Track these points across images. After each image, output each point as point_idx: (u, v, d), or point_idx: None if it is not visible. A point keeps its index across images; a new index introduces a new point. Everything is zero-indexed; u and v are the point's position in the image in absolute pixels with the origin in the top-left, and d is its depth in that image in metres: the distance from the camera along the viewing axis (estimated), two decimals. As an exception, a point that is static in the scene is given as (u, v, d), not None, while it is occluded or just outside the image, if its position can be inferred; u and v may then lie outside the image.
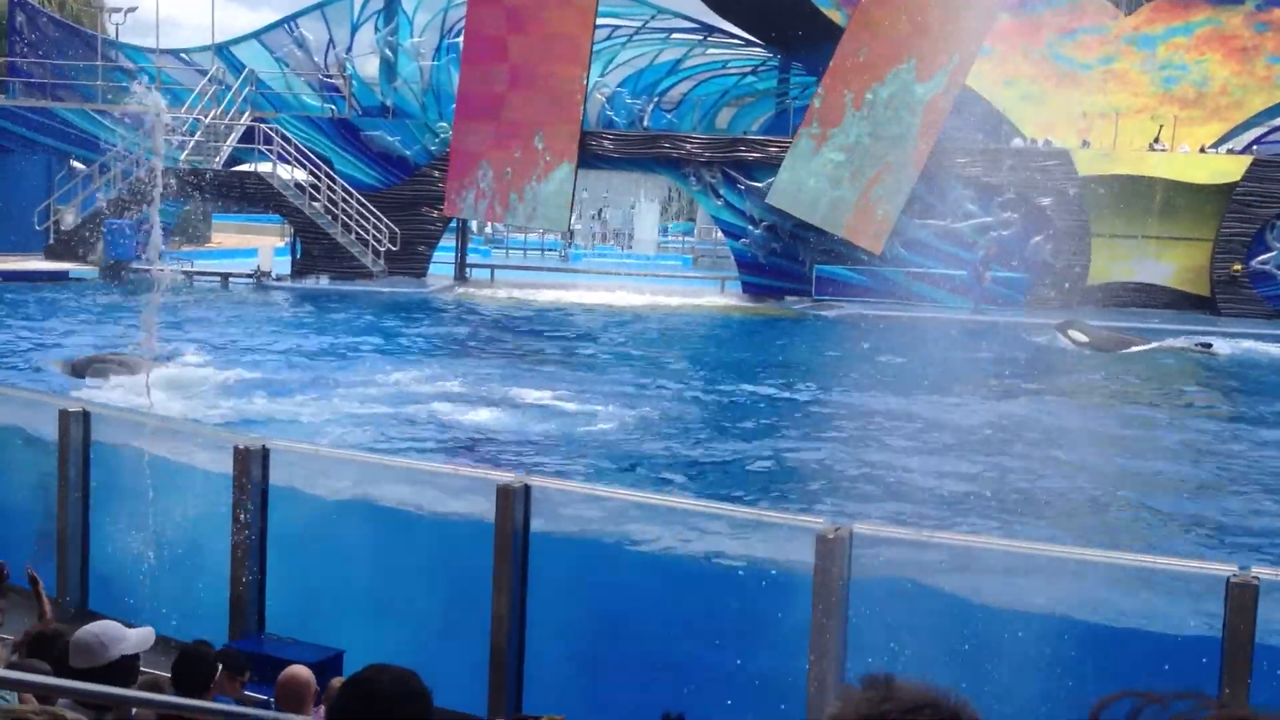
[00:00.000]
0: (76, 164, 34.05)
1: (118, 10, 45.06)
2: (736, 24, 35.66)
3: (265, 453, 8.16)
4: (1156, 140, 33.69)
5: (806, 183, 31.56)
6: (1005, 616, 6.54)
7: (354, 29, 35.10)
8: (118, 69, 35.87)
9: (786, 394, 18.19)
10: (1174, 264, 33.78)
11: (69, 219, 31.84)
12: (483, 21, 31.59)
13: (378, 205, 32.32)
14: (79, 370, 17.34)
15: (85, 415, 9.04)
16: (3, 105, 34.53)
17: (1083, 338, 26.24)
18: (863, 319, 29.20)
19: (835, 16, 32.51)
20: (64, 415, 8.98)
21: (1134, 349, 25.85)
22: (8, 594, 6.26)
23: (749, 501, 11.05)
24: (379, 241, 31.93)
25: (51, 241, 31.57)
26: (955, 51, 30.66)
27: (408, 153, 33.30)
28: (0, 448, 10.12)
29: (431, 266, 33.34)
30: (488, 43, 31.55)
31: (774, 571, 7.19)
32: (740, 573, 7.26)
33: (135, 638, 4.69)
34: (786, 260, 33.04)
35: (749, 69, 35.74)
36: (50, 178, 34.05)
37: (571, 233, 48.84)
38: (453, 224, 34.29)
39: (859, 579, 6.68)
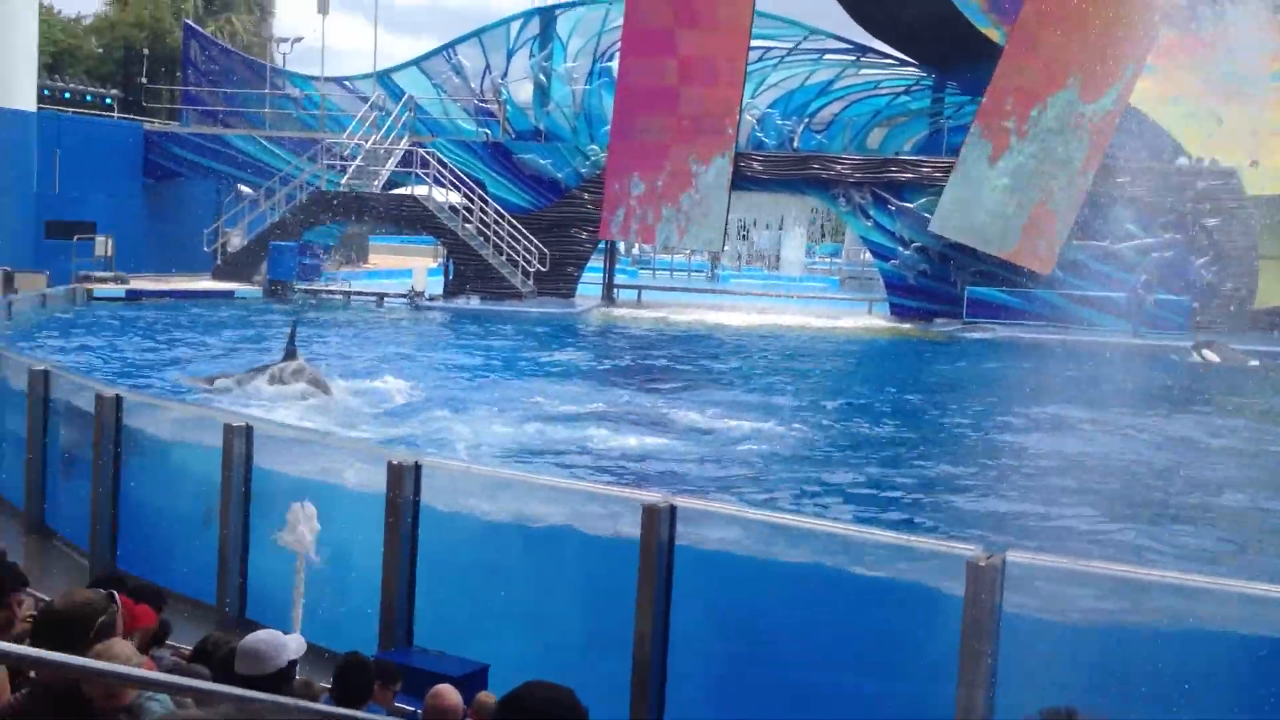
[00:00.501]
0: (244, 188, 35.39)
1: (285, 40, 46.87)
2: (890, 44, 35.33)
3: (418, 469, 8.30)
4: (1332, 159, 32.22)
5: (971, 207, 31.06)
6: (1166, 649, 6.29)
7: (509, 55, 35.77)
8: (284, 96, 37.19)
9: (938, 417, 17.87)
10: (1349, 287, 32.20)
11: (236, 241, 33.07)
12: (638, 46, 31.98)
13: (528, 227, 32.82)
14: (231, 383, 17.85)
15: (248, 429, 9.32)
16: (177, 132, 36.08)
17: (1214, 357, 25.59)
18: (1017, 342, 28.54)
19: (993, 35, 31.95)
20: (228, 429, 9.28)
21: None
22: (165, 603, 6.47)
23: (896, 526, 10.86)
24: (529, 262, 32.41)
25: (219, 262, 32.81)
26: (1120, 70, 29.87)
27: (559, 175, 33.77)
28: (166, 460, 10.51)
29: (580, 287, 33.69)
30: (642, 67, 31.94)
31: (922, 598, 7.04)
32: (887, 598, 7.13)
33: (294, 645, 4.83)
34: (937, 282, 32.50)
35: (902, 89, 35.34)
36: (219, 202, 35.47)
37: (718, 254, 48.92)
38: (601, 245, 34.63)
39: (1011, 607, 6.50)
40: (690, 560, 7.41)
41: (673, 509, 7.42)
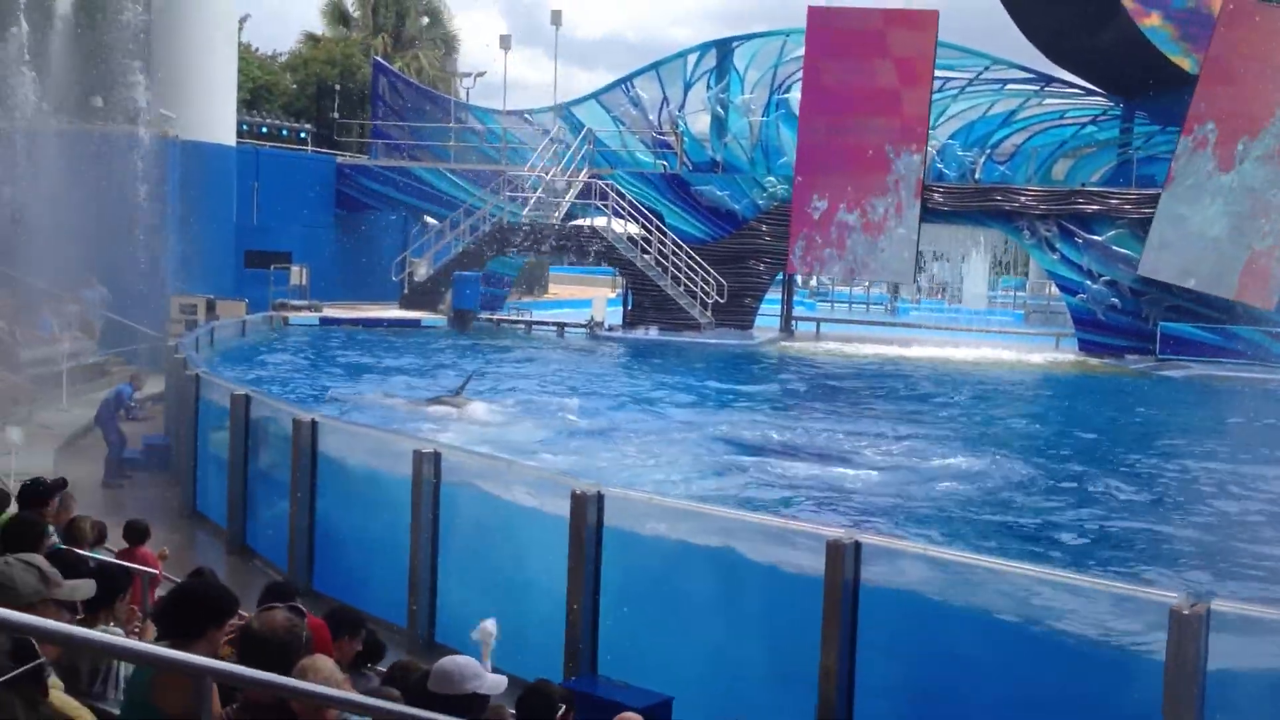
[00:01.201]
0: (429, 219, 36.41)
1: (468, 75, 48.28)
2: (1076, 73, 34.45)
3: (600, 498, 8.37)
4: None
5: (1181, 247, 30.22)
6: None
7: (687, 87, 36.04)
8: (468, 130, 38.19)
9: (1136, 458, 17.24)
10: None
11: (422, 271, 34.02)
12: (821, 76, 32.02)
13: (706, 258, 32.92)
14: (425, 407, 18.55)
15: (436, 456, 9.54)
16: (366, 165, 37.38)
17: None
18: (1214, 380, 27.42)
19: (1184, 64, 30.92)
20: (418, 456, 9.51)
21: None
22: (364, 628, 6.64)
23: (1093, 571, 10.50)
24: (706, 294, 32.50)
25: (406, 291, 33.80)
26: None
27: (736, 206, 33.82)
28: (360, 483, 10.83)
29: (758, 319, 33.64)
30: (826, 98, 32.01)
31: (1120, 648, 6.79)
32: (1083, 647, 6.89)
33: (490, 681, 4.93)
34: (1127, 317, 31.42)
35: (1088, 119, 34.40)
36: (406, 233, 36.57)
37: (898, 286, 48.30)
38: (779, 277, 34.54)
39: (1216, 663, 6.21)
40: (878, 598, 7.30)
41: (858, 545, 7.32)
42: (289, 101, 50.80)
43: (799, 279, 40.74)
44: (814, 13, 32.41)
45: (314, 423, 10.85)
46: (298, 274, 31.56)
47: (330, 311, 30.66)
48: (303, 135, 42.69)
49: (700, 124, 36.44)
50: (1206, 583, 10.78)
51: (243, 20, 41.07)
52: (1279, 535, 12.81)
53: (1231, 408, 22.85)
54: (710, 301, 32.47)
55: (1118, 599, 7.02)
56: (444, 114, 38.37)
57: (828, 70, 31.94)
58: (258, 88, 47.27)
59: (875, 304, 47.34)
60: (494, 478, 9.75)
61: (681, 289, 32.53)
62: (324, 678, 4.16)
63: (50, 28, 25.38)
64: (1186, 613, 6.21)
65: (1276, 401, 23.96)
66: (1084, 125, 34.43)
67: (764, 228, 33.52)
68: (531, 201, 33.47)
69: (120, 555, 8.36)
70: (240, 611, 5.83)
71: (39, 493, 7.76)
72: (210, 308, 26.28)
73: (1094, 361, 30.65)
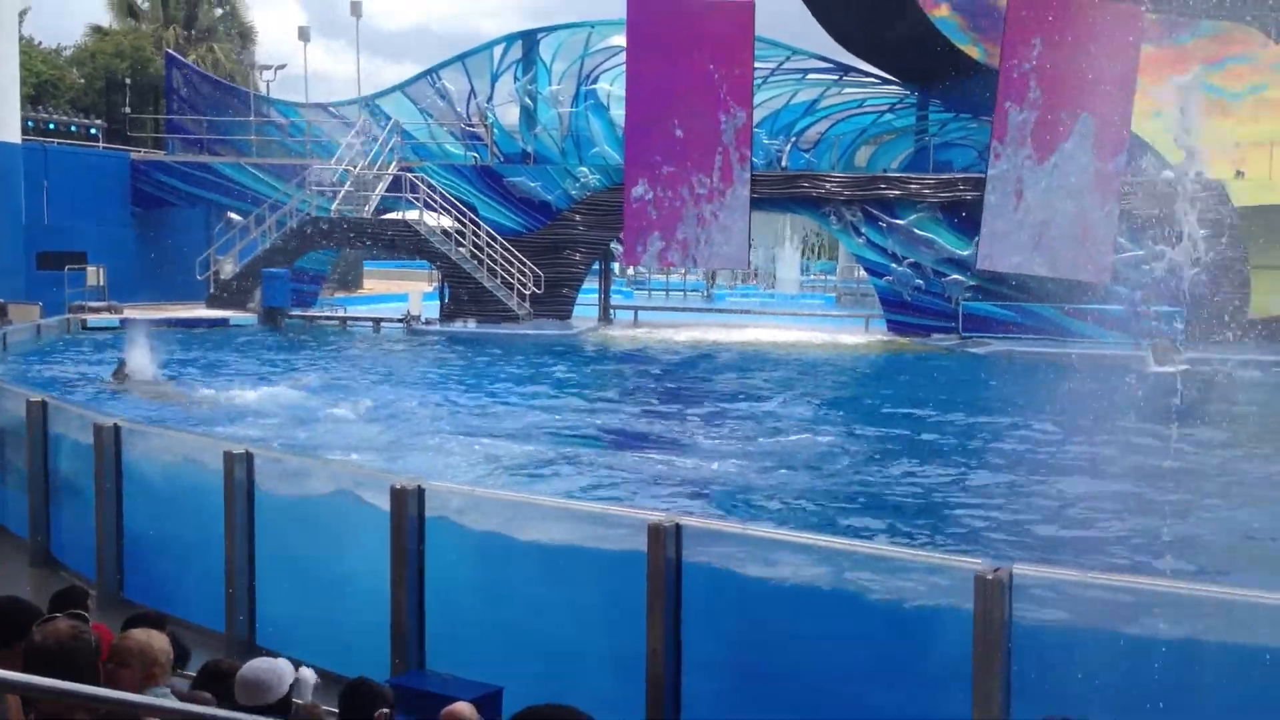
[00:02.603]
0: (233, 216, 35.39)
1: (268, 68, 47.04)
2: (872, 63, 35.52)
3: (421, 492, 8.29)
4: (1315, 168, 32.50)
5: (1011, 239, 31.50)
6: (1181, 659, 6.30)
7: (494, 79, 35.86)
8: (270, 124, 37.22)
9: (934, 432, 17.91)
10: (1339, 294, 32.47)
11: (227, 269, 33.06)
12: (643, 67, 32.26)
13: (521, 249, 32.87)
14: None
15: (248, 456, 9.30)
16: (163, 161, 36.09)
17: (1161, 365, 26.25)
18: (1012, 356, 28.74)
19: (973, 53, 32.30)
20: (228, 456, 9.26)
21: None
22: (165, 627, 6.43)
23: (900, 541, 10.87)
24: (524, 285, 32.45)
25: (212, 290, 32.79)
26: (1119, 89, 30.48)
27: (549, 197, 33.84)
28: (168, 487, 10.48)
29: (576, 308, 33.76)
30: (649, 89, 32.32)
31: (930, 613, 7.05)
32: (897, 614, 7.14)
33: (298, 677, 4.83)
34: (931, 297, 32.65)
35: (886, 107, 35.52)
36: (209, 230, 35.47)
37: (715, 273, 49.07)
38: (595, 266, 34.72)
39: (1021, 621, 6.50)
40: (700, 578, 7.41)
41: (678, 528, 7.42)
42: (76, 97, 48.68)
43: (616, 268, 41.04)
44: (634, 4, 32.63)
45: (116, 427, 10.45)
46: (94, 274, 30.31)
47: (131, 312, 29.51)
48: (93, 131, 40.95)
49: (510, 116, 36.31)
50: (1013, 546, 11.27)
51: (23, 13, 39.08)
52: (1076, 496, 13.48)
53: (1028, 380, 23.98)
54: (528, 292, 32.44)
55: (928, 568, 7.29)
56: (244, 108, 37.29)
57: (649, 61, 32.21)
58: (43, 83, 45.16)
59: (692, 291, 47.98)
60: (310, 476, 9.55)
61: (498, 281, 32.41)
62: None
63: None
64: (990, 578, 6.48)
65: (1068, 372, 25.29)
66: (882, 113, 35.55)
67: (578, 218, 33.64)
68: (340, 195, 32.83)
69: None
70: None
71: None
72: (2, 312, 25.08)
73: (902, 341, 31.76)
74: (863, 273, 36.89)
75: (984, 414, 20.00)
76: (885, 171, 34.46)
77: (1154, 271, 31.55)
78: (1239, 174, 32.46)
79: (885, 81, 35.47)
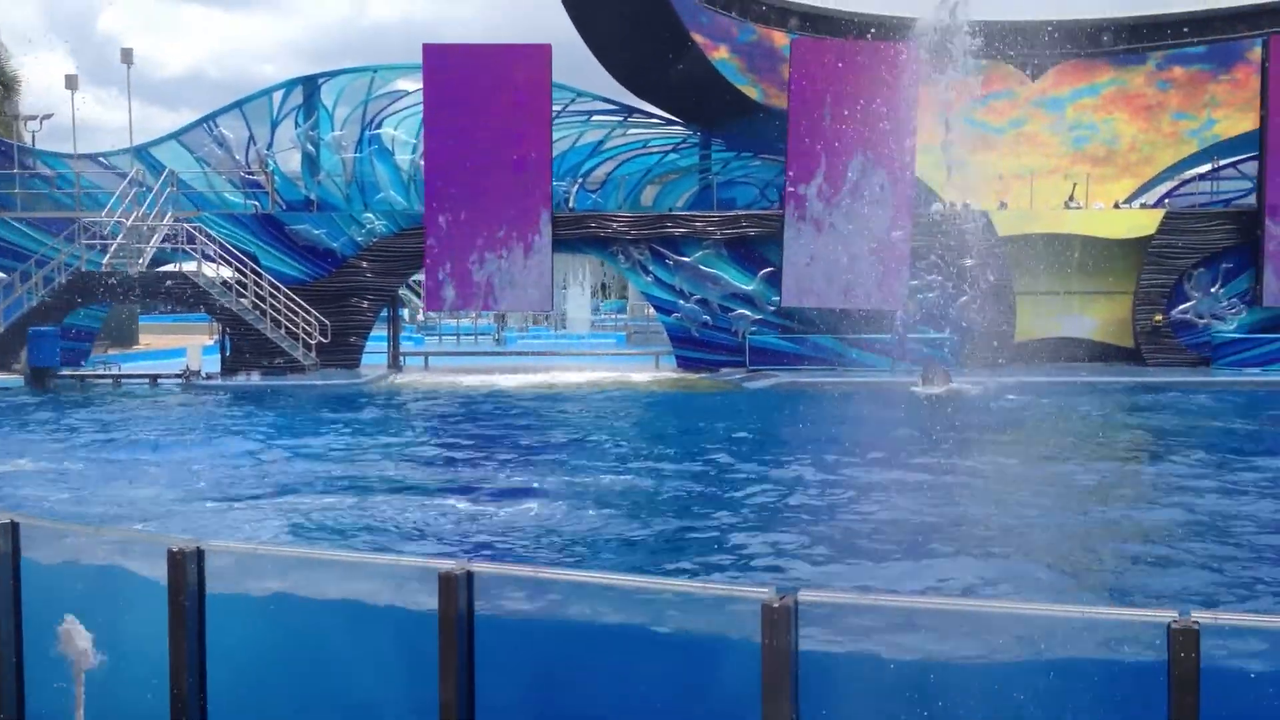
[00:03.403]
0: (-2, 273, 33.65)
1: (33, 118, 44.97)
2: (655, 104, 36.24)
3: (200, 554, 7.99)
4: (1071, 198, 34.64)
5: (810, 275, 32.39)
6: (953, 675, 6.54)
7: (274, 125, 35.16)
8: (35, 176, 35.55)
9: (726, 460, 18.26)
10: (1097, 318, 34.62)
11: (-10, 328, 31.36)
12: (441, 114, 32.23)
13: (306, 298, 32.21)
14: None
15: (14, 526, 8.82)
16: (-81, 218, 34.08)
17: (935, 389, 27.87)
18: (792, 386, 29.72)
19: (752, 93, 33.35)
20: (-9, 528, 8.76)
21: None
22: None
23: (691, 575, 11.02)
24: (309, 334, 31.76)
25: (-27, 352, 31.05)
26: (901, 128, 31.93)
27: (334, 245, 33.29)
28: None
29: (365, 356, 33.23)
30: (448, 135, 32.37)
31: (720, 644, 7.16)
32: (687, 646, 7.22)
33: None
34: (718, 332, 33.39)
35: (670, 147, 36.25)
36: (-30, 288, 33.58)
37: (505, 316, 49.01)
38: (384, 313, 34.29)
39: (808, 648, 6.66)
40: (493, 625, 7.36)
41: (469, 575, 7.36)
42: None
43: (405, 314, 40.62)
44: (429, 50, 32.53)
45: None
46: None
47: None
48: None
49: (292, 162, 35.62)
50: (805, 572, 11.54)
51: None
52: (859, 518, 13.91)
53: (806, 409, 24.86)
54: (314, 342, 31.77)
55: (716, 600, 7.40)
56: (7, 160, 35.54)
57: (446, 107, 32.16)
58: None
59: (483, 334, 47.76)
60: (80, 544, 9.10)
61: (282, 331, 31.64)
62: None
63: None
64: (776, 605, 6.63)
65: (844, 400, 26.39)
66: (667, 153, 36.26)
67: (364, 264, 33.18)
68: (112, 249, 31.56)
69: None
70: None
71: None
72: None
73: (691, 376, 32.30)
74: (652, 310, 37.45)
75: (766, 444, 20.52)
76: (671, 210, 35.12)
77: (926, 299, 33.10)
78: (1002, 205, 34.30)
79: (669, 122, 36.22)
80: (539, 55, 32.61)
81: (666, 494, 15.93)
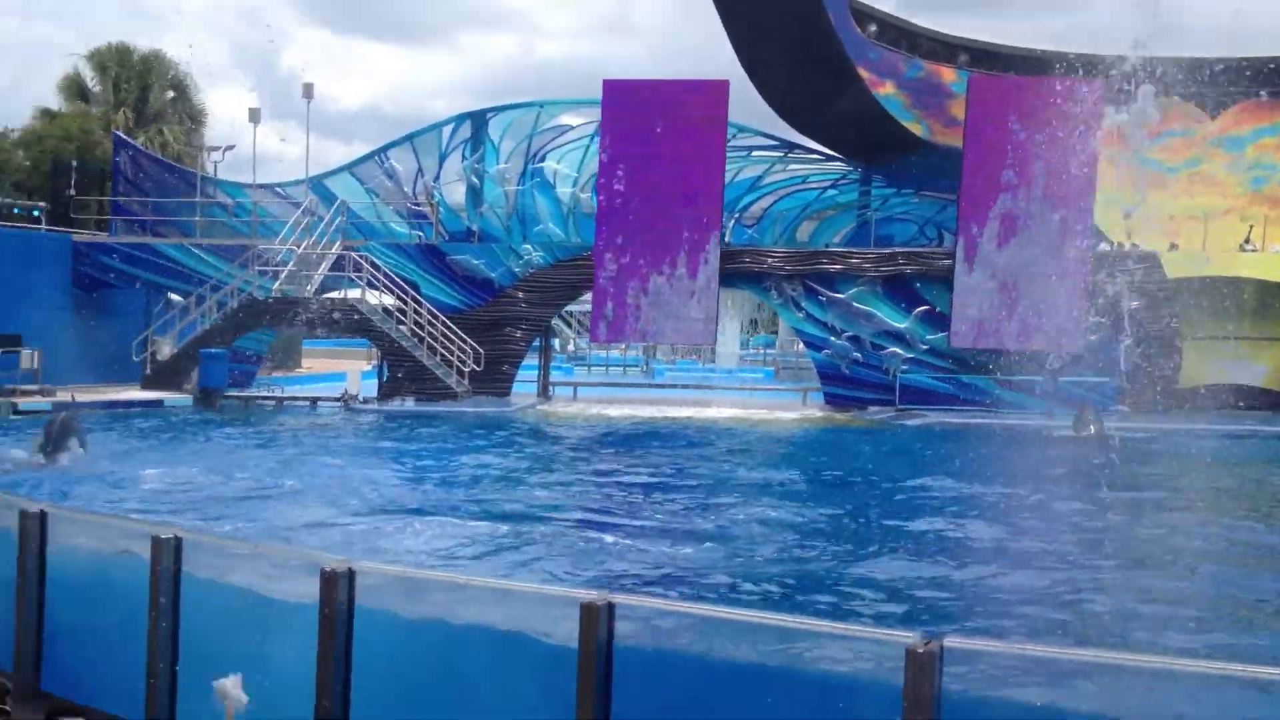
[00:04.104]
0: (174, 296, 35.13)
1: (216, 149, 46.98)
2: (816, 139, 36.10)
3: (351, 575, 8.15)
4: (1247, 241, 33.30)
5: (983, 315, 31.87)
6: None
7: (442, 158, 36.07)
8: (216, 205, 37.14)
9: (865, 507, 17.96)
10: (1268, 365, 33.13)
11: (165, 350, 32.74)
12: (616, 148, 32.66)
13: (462, 326, 32.86)
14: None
15: (176, 542, 9.13)
16: (105, 242, 35.84)
17: (1088, 430, 26.86)
18: (944, 426, 29.12)
19: (916, 129, 33.00)
20: (156, 542, 9.09)
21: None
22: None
23: (839, 617, 10.83)
24: (463, 362, 32.37)
25: (148, 371, 32.44)
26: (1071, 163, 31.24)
27: (492, 275, 33.91)
28: (93, 575, 10.26)
29: (516, 385, 33.70)
30: (622, 169, 32.74)
31: (863, 688, 7.01)
32: (827, 687, 7.09)
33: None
34: (869, 370, 32.94)
35: (829, 183, 36.03)
36: (149, 311, 35.15)
37: (655, 348, 49.19)
38: (536, 343, 34.77)
39: (951, 694, 6.48)
40: (632, 657, 7.34)
41: (611, 606, 7.36)
42: (22, 179, 48.34)
43: (556, 344, 41.12)
44: (608, 85, 33.00)
45: (43, 514, 10.24)
46: (29, 358, 29.89)
47: (64, 395, 29.10)
48: (36, 213, 40.61)
49: (456, 194, 36.50)
50: (951, 619, 11.26)
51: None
52: (1012, 566, 13.52)
53: (958, 449, 24.31)
54: (467, 370, 32.36)
55: (859, 641, 7.25)
56: (189, 189, 37.19)
57: (623, 140, 32.61)
58: (-12, 165, 44.88)
59: (631, 366, 48.01)
60: (237, 561, 9.38)
61: (438, 359, 32.32)
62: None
63: None
64: (921, 650, 6.47)
65: (1000, 441, 25.76)
66: (825, 189, 36.05)
67: (520, 295, 33.71)
68: (283, 275, 32.70)
69: None
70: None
71: None
72: (-68, 396, 24.65)
73: (839, 415, 31.91)
74: (802, 346, 37.19)
75: (916, 485, 20.11)
76: (827, 246, 34.87)
77: (1088, 341, 32.14)
78: (1173, 246, 33.17)
79: (829, 158, 36.02)
80: (717, 91, 32.73)
81: (816, 533, 15.73)
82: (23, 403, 27.83)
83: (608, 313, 33.10)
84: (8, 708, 5.26)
